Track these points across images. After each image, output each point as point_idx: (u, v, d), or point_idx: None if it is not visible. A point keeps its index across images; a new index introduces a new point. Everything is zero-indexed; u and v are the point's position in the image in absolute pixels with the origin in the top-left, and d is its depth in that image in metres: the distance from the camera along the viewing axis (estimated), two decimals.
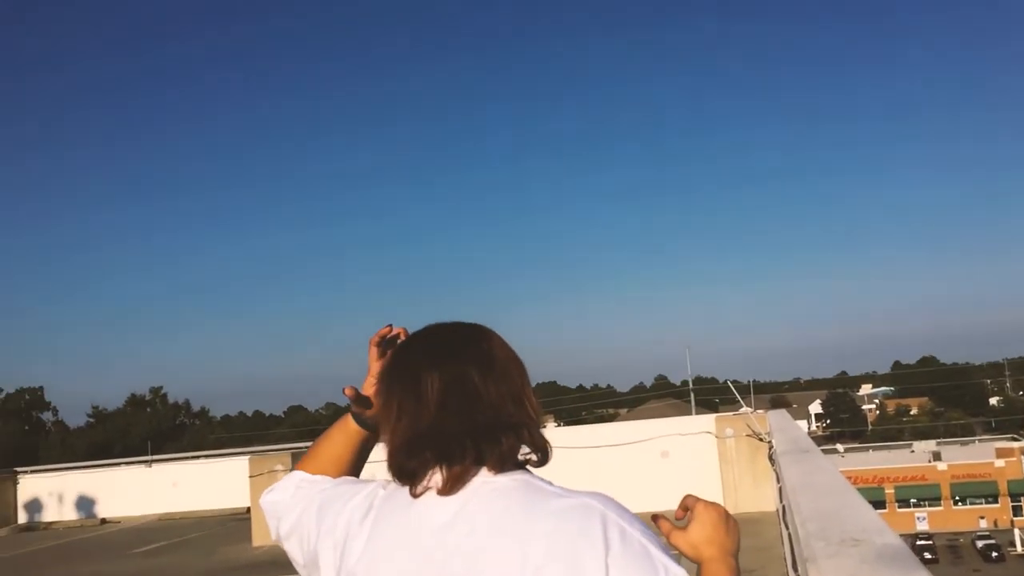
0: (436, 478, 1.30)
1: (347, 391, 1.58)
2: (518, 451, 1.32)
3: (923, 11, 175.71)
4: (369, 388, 1.57)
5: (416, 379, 1.36)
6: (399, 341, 1.55)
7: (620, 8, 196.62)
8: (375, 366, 1.59)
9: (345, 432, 1.62)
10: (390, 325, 1.59)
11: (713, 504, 1.41)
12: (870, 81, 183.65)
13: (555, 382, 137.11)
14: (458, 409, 1.32)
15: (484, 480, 1.29)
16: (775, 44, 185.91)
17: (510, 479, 1.30)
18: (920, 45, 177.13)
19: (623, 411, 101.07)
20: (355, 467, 1.63)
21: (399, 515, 1.33)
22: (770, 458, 10.01)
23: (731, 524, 1.39)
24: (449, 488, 1.28)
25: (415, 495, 1.31)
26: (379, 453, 1.48)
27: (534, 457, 1.34)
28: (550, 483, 1.32)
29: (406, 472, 1.33)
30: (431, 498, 1.30)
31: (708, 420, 13.90)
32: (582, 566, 1.19)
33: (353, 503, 1.40)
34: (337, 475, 1.57)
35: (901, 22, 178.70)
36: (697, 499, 1.42)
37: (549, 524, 1.22)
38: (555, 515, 1.23)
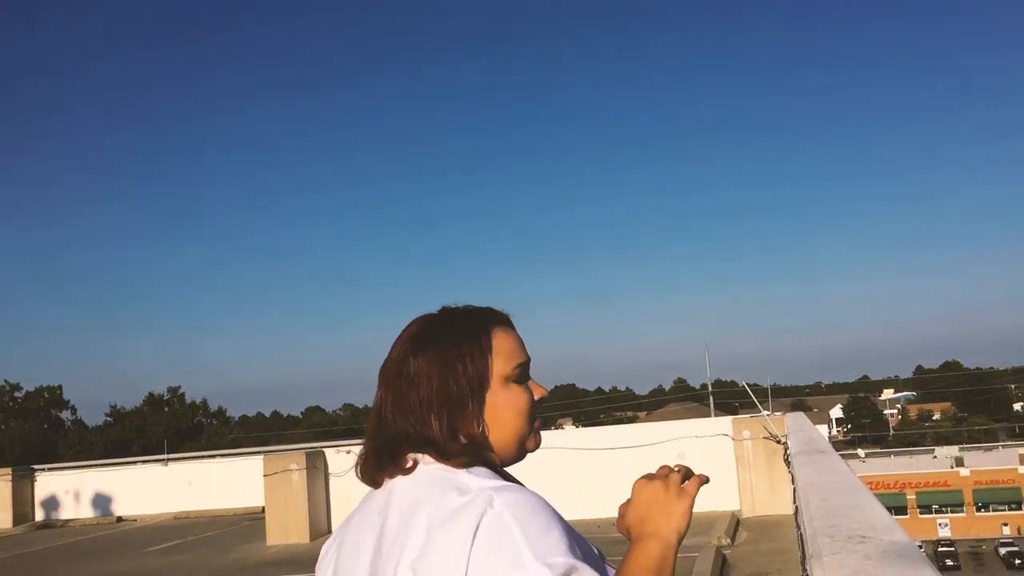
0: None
1: None
2: (428, 449, 1.39)
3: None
4: None
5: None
6: None
7: (636, 8, 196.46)
8: None
9: None
10: None
11: (652, 481, 1.36)
12: (890, 78, 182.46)
13: (574, 384, 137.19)
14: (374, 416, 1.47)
15: (412, 472, 1.39)
16: (800, 44, 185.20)
17: (431, 472, 1.36)
18: (943, 42, 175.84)
19: (642, 414, 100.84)
20: None
21: (362, 505, 1.48)
22: (786, 460, 9.90)
23: (672, 505, 1.33)
24: (380, 482, 1.43)
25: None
26: None
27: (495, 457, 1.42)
28: (477, 479, 1.33)
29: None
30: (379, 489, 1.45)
31: (725, 422, 13.79)
32: (447, 548, 1.25)
33: None
34: None
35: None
36: (649, 476, 1.38)
37: (437, 513, 1.29)
38: (443, 507, 1.29)
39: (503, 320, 1.51)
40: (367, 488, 1.49)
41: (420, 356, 1.43)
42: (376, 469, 1.42)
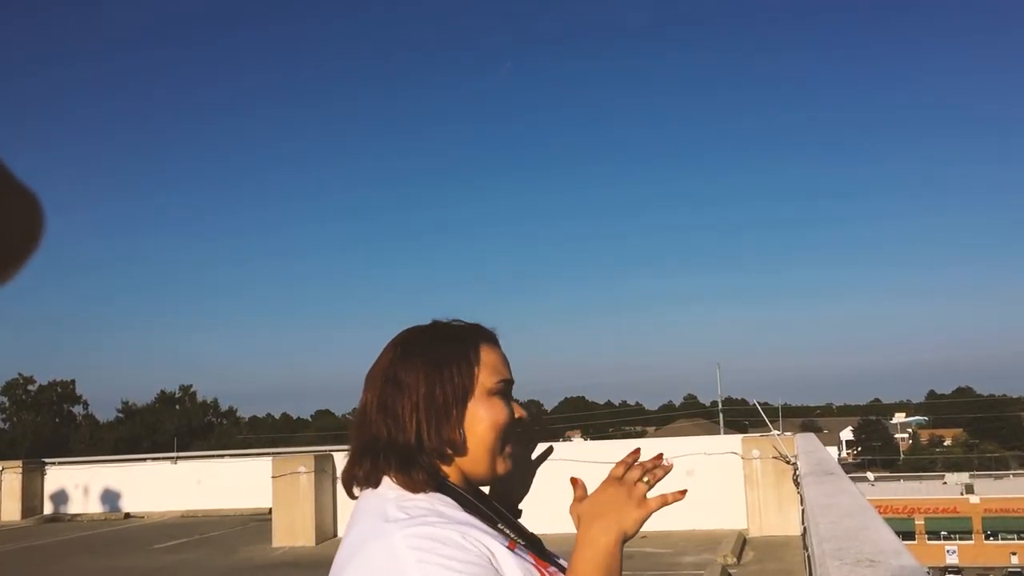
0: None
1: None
2: (383, 467, 1.43)
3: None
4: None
5: None
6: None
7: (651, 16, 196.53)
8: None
9: None
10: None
11: (619, 485, 1.41)
12: (903, 98, 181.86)
13: (583, 397, 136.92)
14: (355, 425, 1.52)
15: (371, 491, 1.44)
16: (813, 54, 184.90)
17: (379, 494, 1.42)
18: (951, 59, 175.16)
19: (651, 428, 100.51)
20: None
21: None
22: (795, 481, 9.87)
23: (629, 511, 1.38)
24: (353, 495, 1.49)
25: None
26: None
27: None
28: (407, 507, 1.37)
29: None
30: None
31: (735, 440, 13.73)
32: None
33: None
34: None
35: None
36: (620, 475, 1.42)
37: (353, 539, 1.38)
38: (359, 535, 1.37)
39: (490, 337, 1.55)
40: None
41: (409, 361, 1.47)
42: (347, 484, 1.48)
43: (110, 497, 19.12)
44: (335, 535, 14.13)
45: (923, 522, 58.01)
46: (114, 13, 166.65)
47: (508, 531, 1.44)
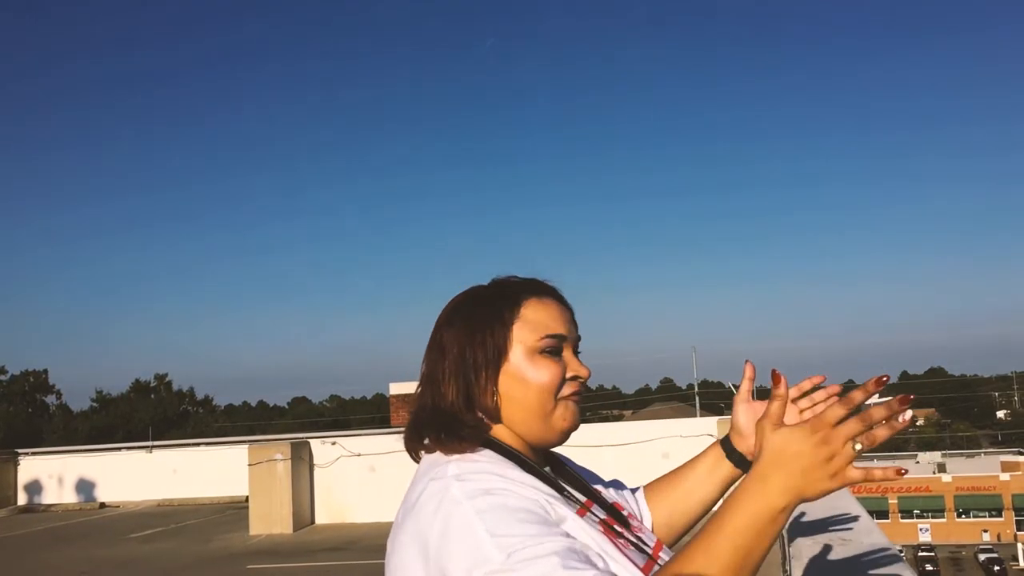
0: None
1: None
2: (427, 432, 1.40)
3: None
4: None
5: None
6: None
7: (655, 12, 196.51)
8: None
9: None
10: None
11: (824, 444, 1.13)
12: (884, 86, 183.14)
13: None
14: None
15: (427, 455, 1.39)
16: (786, 48, 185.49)
17: (431, 457, 1.37)
18: (941, 49, 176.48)
19: (627, 412, 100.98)
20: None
21: None
22: None
23: (821, 479, 1.13)
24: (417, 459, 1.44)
25: None
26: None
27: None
28: (460, 465, 1.31)
29: None
30: None
31: (710, 423, 13.83)
32: (402, 529, 1.28)
33: None
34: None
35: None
36: (824, 426, 1.13)
37: (408, 499, 1.32)
38: (413, 495, 1.31)
39: (543, 291, 1.46)
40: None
41: (450, 326, 1.42)
42: (409, 451, 1.44)
43: (85, 487, 19.00)
44: (312, 522, 14.12)
45: (896, 501, 58.77)
46: (113, 13, 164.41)
47: (577, 496, 1.39)
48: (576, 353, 1.45)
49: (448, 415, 1.37)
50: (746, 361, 1.45)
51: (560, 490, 1.35)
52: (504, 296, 1.42)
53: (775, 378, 1.22)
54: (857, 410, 1.13)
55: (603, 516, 1.40)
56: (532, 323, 1.40)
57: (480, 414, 1.38)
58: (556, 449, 1.48)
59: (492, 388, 1.38)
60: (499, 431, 1.39)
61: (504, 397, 1.38)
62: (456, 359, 1.39)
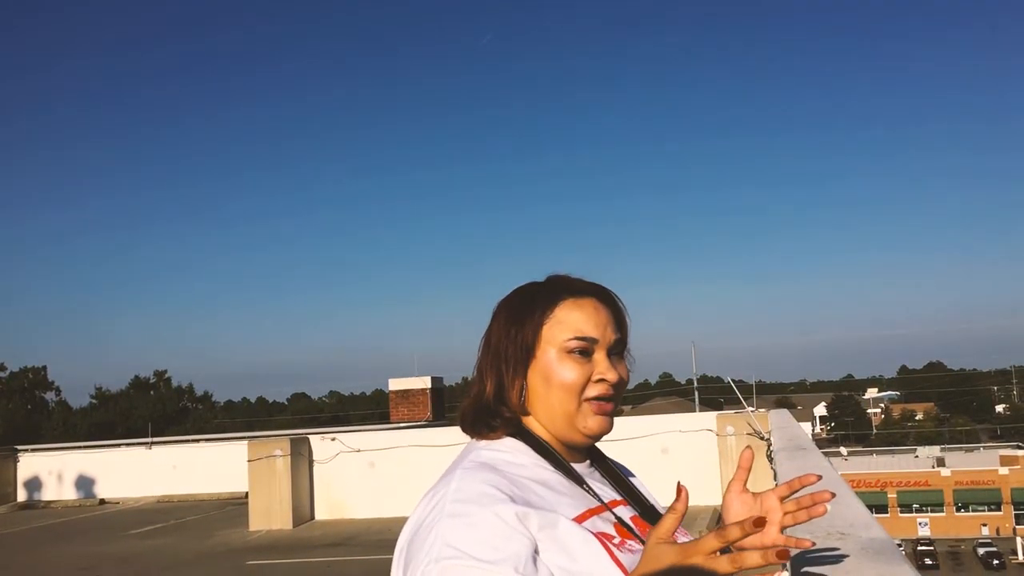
0: None
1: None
2: (473, 421, 1.47)
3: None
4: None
5: None
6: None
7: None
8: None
9: None
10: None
11: (688, 555, 1.13)
12: (878, 85, 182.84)
13: None
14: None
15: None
16: (794, 47, 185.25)
17: (469, 444, 1.48)
18: (937, 48, 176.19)
19: (626, 407, 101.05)
20: None
21: None
22: (769, 457, 9.95)
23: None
24: None
25: None
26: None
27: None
28: (483, 453, 1.40)
29: None
30: None
31: (709, 418, 13.83)
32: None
33: None
34: None
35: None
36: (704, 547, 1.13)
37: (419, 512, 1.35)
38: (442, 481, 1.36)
39: (583, 291, 1.47)
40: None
41: (495, 320, 1.49)
42: (463, 431, 1.51)
43: (84, 483, 19.00)
44: (312, 518, 14.12)
45: (895, 495, 58.87)
46: (114, 13, 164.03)
47: (599, 493, 1.40)
48: (614, 356, 1.45)
49: (483, 405, 1.45)
50: (745, 447, 1.47)
51: (580, 483, 1.39)
52: (543, 295, 1.46)
53: (678, 491, 1.18)
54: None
55: (630, 515, 1.42)
56: (564, 323, 1.42)
57: (511, 407, 1.44)
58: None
59: (520, 383, 1.44)
60: (531, 423, 1.45)
61: (531, 393, 1.44)
62: (494, 352, 1.46)
